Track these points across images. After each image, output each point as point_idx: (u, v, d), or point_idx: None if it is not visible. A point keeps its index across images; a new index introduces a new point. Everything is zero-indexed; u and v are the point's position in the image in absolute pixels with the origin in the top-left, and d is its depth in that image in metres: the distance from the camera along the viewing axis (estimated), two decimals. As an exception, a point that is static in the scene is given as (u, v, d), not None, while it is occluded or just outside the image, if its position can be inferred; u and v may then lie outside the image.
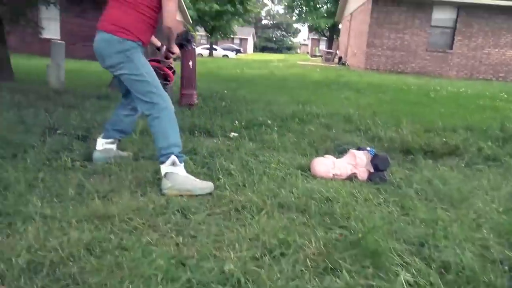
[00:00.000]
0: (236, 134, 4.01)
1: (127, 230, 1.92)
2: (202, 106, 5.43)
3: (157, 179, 2.61)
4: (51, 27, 17.16)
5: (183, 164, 2.56)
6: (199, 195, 2.42)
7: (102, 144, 2.91)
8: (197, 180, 2.53)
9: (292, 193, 2.49)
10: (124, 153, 3.06)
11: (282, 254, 1.78)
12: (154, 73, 2.59)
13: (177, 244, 1.83)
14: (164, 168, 2.49)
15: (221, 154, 3.25)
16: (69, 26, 16.92)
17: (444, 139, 4.02)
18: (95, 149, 2.92)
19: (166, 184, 2.45)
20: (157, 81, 2.56)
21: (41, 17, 16.40)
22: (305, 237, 1.93)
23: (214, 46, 38.97)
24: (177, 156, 2.50)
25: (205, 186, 2.49)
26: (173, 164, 2.49)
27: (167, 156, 2.49)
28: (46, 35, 15.48)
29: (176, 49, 2.85)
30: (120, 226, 1.95)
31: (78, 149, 3.11)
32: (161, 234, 1.92)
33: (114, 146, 2.97)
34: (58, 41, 7.41)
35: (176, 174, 2.48)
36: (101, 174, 2.66)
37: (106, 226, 1.94)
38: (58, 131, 3.61)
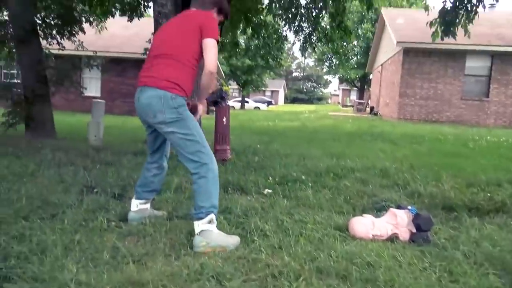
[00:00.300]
0: (270, 191, 3.95)
1: (160, 299, 1.86)
2: (235, 161, 5.44)
3: (191, 240, 2.56)
4: (92, 86, 18.15)
5: (215, 221, 2.58)
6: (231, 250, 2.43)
7: (136, 205, 2.93)
8: (227, 235, 2.57)
9: (331, 256, 2.38)
10: (159, 212, 3.06)
11: (323, 328, 1.67)
12: (202, 134, 2.61)
13: (212, 315, 1.75)
14: (201, 226, 2.49)
15: (256, 213, 3.19)
16: (110, 84, 17.83)
17: (489, 194, 3.82)
18: (130, 209, 2.94)
19: (201, 242, 2.44)
20: (205, 141, 2.59)
21: (83, 77, 17.43)
22: (347, 308, 1.81)
23: (246, 99, 39.90)
24: (215, 215, 2.56)
25: (236, 241, 2.55)
26: (210, 221, 2.51)
27: (207, 213, 2.50)
28: (87, 93, 16.34)
29: (203, 104, 2.95)
30: (154, 293, 1.90)
31: (114, 209, 3.13)
32: (195, 303, 1.85)
33: (148, 206, 3.00)
34: (99, 100, 7.77)
35: (211, 232, 2.49)
36: (135, 236, 2.64)
37: (139, 293, 1.89)
38: (95, 190, 3.67)
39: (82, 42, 8.96)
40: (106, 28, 10.54)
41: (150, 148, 2.92)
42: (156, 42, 2.74)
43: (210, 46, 2.54)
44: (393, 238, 2.77)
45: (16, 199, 3.21)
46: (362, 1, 9.07)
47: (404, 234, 2.78)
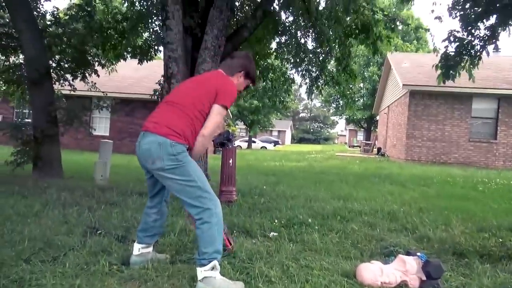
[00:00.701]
0: (275, 234, 3.88)
1: None
2: (241, 202, 5.39)
3: (194, 286, 2.50)
4: (101, 125, 18.43)
5: (219, 268, 2.51)
6: None
7: (138, 249, 2.88)
8: (231, 282, 2.50)
9: (338, 305, 2.30)
10: (162, 256, 3.01)
11: None
12: (205, 177, 2.59)
13: None
14: (204, 272, 2.44)
15: (261, 257, 3.12)
16: (118, 123, 18.11)
17: (501, 240, 3.72)
18: (132, 253, 2.89)
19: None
20: (207, 185, 2.55)
21: (93, 117, 17.73)
22: None
23: (253, 139, 40.14)
24: (218, 261, 2.50)
25: (239, 287, 2.50)
26: (213, 268, 2.46)
27: (209, 260, 2.44)
28: (96, 132, 16.56)
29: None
30: None
31: (116, 252, 3.08)
32: None
33: (150, 249, 2.94)
34: (107, 141, 7.85)
35: (214, 278, 2.43)
36: (137, 281, 2.58)
37: None
38: (98, 231, 3.63)
39: (95, 83, 9.17)
40: (116, 70, 10.81)
41: (149, 192, 2.88)
42: (173, 91, 2.82)
43: (216, 113, 2.60)
44: (402, 286, 2.68)
45: (19, 241, 3.18)
46: (368, 46, 9.27)
47: (413, 282, 2.69)
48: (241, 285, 2.51)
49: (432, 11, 6.75)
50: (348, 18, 8.61)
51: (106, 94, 10.01)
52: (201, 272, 2.44)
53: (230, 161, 5.50)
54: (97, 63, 9.31)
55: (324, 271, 2.87)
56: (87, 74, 8.94)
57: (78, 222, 3.97)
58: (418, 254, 2.85)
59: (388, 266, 2.79)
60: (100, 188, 6.09)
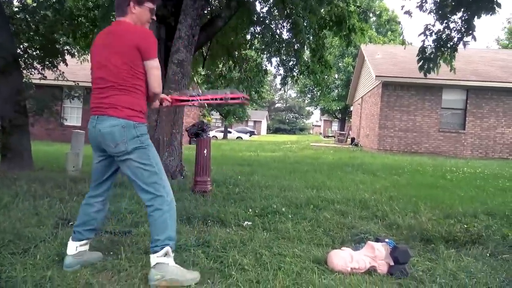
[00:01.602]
0: (249, 223, 3.93)
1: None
2: (215, 193, 5.41)
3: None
4: (73, 115, 18.01)
5: (173, 254, 2.50)
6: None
7: (75, 247, 2.62)
8: (185, 270, 2.49)
9: (309, 290, 2.36)
10: (96, 254, 2.77)
11: None
12: (161, 165, 2.56)
13: None
14: (156, 258, 2.43)
15: (235, 246, 3.16)
16: (91, 113, 17.76)
17: (466, 226, 3.87)
18: (66, 254, 2.61)
19: (155, 275, 2.39)
20: (163, 172, 2.54)
21: (64, 106, 17.30)
22: None
23: (229, 129, 40.07)
24: (171, 248, 2.48)
25: (194, 276, 2.47)
26: (166, 254, 2.44)
27: (162, 247, 2.44)
28: (68, 122, 16.18)
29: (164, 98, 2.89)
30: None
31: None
32: None
33: (87, 247, 2.70)
34: (78, 131, 7.70)
35: (166, 265, 2.42)
36: (110, 271, 2.58)
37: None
38: (70, 223, 3.58)
39: (63, 72, 8.94)
40: (88, 60, 10.56)
41: (97, 179, 2.70)
42: (95, 66, 2.56)
43: (151, 69, 2.47)
44: (371, 271, 2.77)
45: (-13, 233, 3.11)
46: (341, 38, 9.37)
47: (382, 267, 2.78)
48: (197, 275, 2.48)
49: (402, 6, 6.89)
50: (322, 10, 8.67)
51: (78, 83, 9.76)
52: (153, 259, 2.43)
53: (205, 152, 5.50)
54: (67, 51, 9.08)
55: (296, 258, 2.93)
56: (55, 63, 8.70)
57: (49, 213, 3.91)
58: (387, 240, 2.94)
59: (358, 252, 2.87)
60: (72, 179, 5.99)
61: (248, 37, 10.27)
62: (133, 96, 2.46)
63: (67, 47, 9.30)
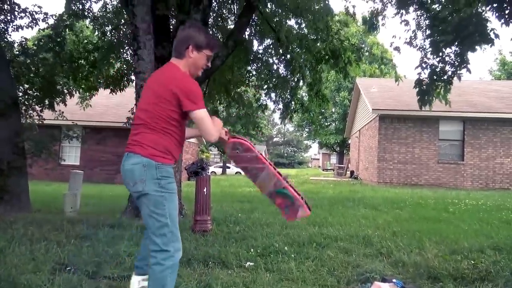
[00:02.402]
0: (251, 264, 3.83)
1: None
2: (216, 232, 5.32)
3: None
4: (71, 154, 17.99)
5: None
6: None
7: (138, 282, 2.69)
8: None
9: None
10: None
11: None
12: (176, 216, 2.43)
13: None
14: None
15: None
16: (89, 152, 17.73)
17: (473, 262, 3.79)
18: None
19: None
20: (176, 227, 2.40)
21: (62, 146, 17.31)
22: None
23: (227, 164, 40.00)
24: None
25: None
26: None
27: None
28: (66, 161, 16.14)
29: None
30: None
31: (86, 289, 2.96)
32: None
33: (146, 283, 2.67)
34: (77, 171, 7.66)
35: None
36: (109, 320, 2.48)
37: None
38: (68, 268, 3.49)
39: (62, 112, 9.00)
40: (90, 105, 10.74)
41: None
42: (140, 105, 2.54)
43: (199, 120, 2.37)
44: (379, 314, 2.67)
45: (-18, 282, 3.02)
46: (338, 71, 9.51)
47: (390, 309, 2.69)
48: None
49: (391, 43, 7.06)
50: (318, 44, 8.85)
51: (76, 123, 9.81)
52: None
53: (205, 190, 5.45)
54: (66, 91, 9.17)
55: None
56: (55, 103, 8.77)
57: (46, 258, 3.81)
58: (394, 280, 2.87)
59: (365, 294, 2.79)
60: (70, 221, 5.89)
61: (246, 73, 10.42)
62: (160, 137, 2.36)
63: (66, 87, 9.40)
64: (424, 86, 6.39)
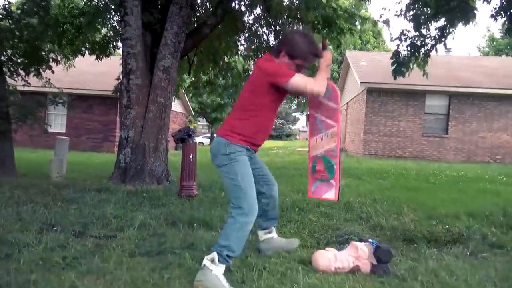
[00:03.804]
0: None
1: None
2: (202, 197, 5.43)
3: (153, 277, 2.53)
4: (57, 122, 17.80)
5: (224, 266, 2.52)
6: None
7: (261, 236, 3.14)
8: (225, 283, 2.45)
9: (293, 289, 2.40)
10: (291, 240, 3.23)
11: None
12: (252, 179, 2.68)
13: None
14: (205, 260, 2.52)
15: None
16: (76, 120, 17.55)
17: (447, 226, 3.95)
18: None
19: (199, 276, 2.48)
20: (250, 190, 2.64)
21: (48, 113, 17.11)
22: None
23: (215, 135, 39.98)
24: (221, 257, 2.51)
25: None
26: (212, 261, 2.49)
27: (215, 251, 2.53)
28: (52, 129, 15.97)
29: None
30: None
31: (74, 247, 3.05)
32: None
33: (273, 234, 3.15)
34: (63, 137, 7.64)
35: (210, 271, 2.46)
36: (95, 274, 2.58)
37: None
38: (55, 228, 3.56)
39: (49, 79, 8.86)
40: (74, 66, 10.51)
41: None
42: None
43: (294, 86, 2.61)
44: (355, 271, 2.82)
45: (-30, 239, 3.08)
46: (332, 40, 9.36)
47: (365, 266, 2.84)
48: None
49: (381, 16, 7.09)
50: (310, 13, 8.74)
51: (62, 90, 9.67)
52: (204, 259, 2.54)
53: (191, 156, 5.51)
54: (51, 59, 9.00)
55: (282, 259, 2.97)
56: (41, 70, 8.62)
57: (33, 219, 3.88)
58: (370, 240, 3.00)
59: (342, 252, 2.92)
60: (56, 186, 5.94)
61: (235, 43, 10.31)
62: (240, 121, 2.72)
63: (52, 54, 9.22)
64: (401, 58, 6.48)
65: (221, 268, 2.50)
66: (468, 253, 3.34)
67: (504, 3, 5.79)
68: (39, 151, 14.91)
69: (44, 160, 9.78)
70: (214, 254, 2.50)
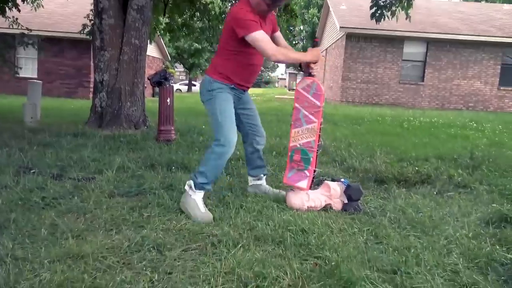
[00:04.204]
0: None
1: (100, 269, 1.90)
2: (180, 141, 5.45)
3: (133, 216, 2.60)
4: (28, 66, 17.11)
5: (202, 192, 2.75)
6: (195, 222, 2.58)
7: (250, 181, 3.32)
8: (202, 210, 2.66)
9: (268, 225, 2.52)
10: (276, 191, 3.28)
11: (258, 287, 1.79)
12: (231, 115, 2.82)
13: (152, 281, 1.82)
14: (186, 186, 2.79)
15: (198, 189, 3.26)
16: (47, 65, 16.90)
17: (417, 168, 4.13)
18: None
19: (182, 198, 2.79)
20: (228, 123, 2.77)
21: (18, 57, 16.39)
22: (280, 269, 1.95)
23: (193, 82, 39.38)
24: (197, 184, 2.73)
25: (205, 217, 2.61)
26: (190, 187, 2.74)
27: (192, 178, 2.77)
28: (23, 74, 15.41)
29: (311, 61, 2.98)
30: (93, 265, 1.93)
31: (52, 188, 3.08)
32: (135, 272, 1.91)
33: (261, 182, 3.30)
34: (35, 81, 7.41)
35: (189, 196, 2.72)
36: (75, 213, 2.63)
37: (79, 266, 1.92)
38: (32, 171, 3.56)
39: (16, 18, 8.42)
40: (42, 6, 9.97)
41: (239, 130, 3.09)
42: None
43: (252, 43, 2.65)
44: (327, 208, 2.95)
45: None
46: None
47: (337, 205, 2.97)
48: (207, 217, 2.61)
49: None
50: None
51: (31, 30, 9.25)
52: (186, 185, 2.79)
53: (168, 100, 5.47)
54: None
55: (258, 198, 3.08)
56: (7, 8, 8.17)
57: (9, 162, 3.85)
58: (342, 179, 3.13)
59: (315, 191, 3.04)
60: (31, 130, 5.85)
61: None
62: (221, 60, 2.85)
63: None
64: (382, 1, 6.40)
65: (199, 193, 2.74)
66: (435, 193, 3.52)
67: None
68: (10, 97, 14.44)
69: (16, 106, 9.52)
70: (191, 181, 2.75)
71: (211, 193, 3.14)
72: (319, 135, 2.99)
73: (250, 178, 3.32)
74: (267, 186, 3.33)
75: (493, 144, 6.19)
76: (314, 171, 2.99)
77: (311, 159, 2.98)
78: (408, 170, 4.05)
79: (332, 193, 2.99)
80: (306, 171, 3.01)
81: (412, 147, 5.56)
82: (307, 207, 2.91)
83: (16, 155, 4.16)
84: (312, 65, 3.01)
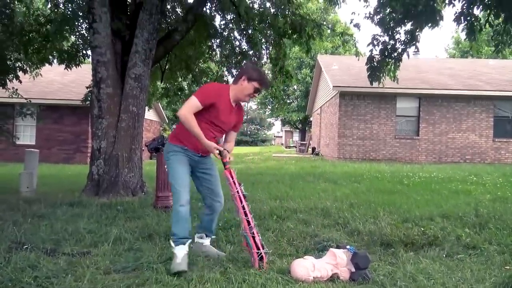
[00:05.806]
0: (213, 237, 3.89)
1: None
2: (178, 207, 5.33)
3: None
4: (27, 133, 17.23)
5: (182, 245, 2.99)
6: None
7: (195, 237, 3.44)
8: (178, 260, 2.90)
9: (273, 301, 2.37)
10: (221, 253, 3.37)
11: None
12: (183, 175, 3.16)
13: None
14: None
15: (200, 260, 3.13)
16: (46, 131, 17.03)
17: (423, 229, 4.02)
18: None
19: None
20: (179, 181, 3.12)
21: (16, 125, 16.56)
22: None
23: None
24: (173, 241, 3.04)
25: (176, 267, 2.85)
26: (171, 244, 3.04)
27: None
28: (21, 141, 15.48)
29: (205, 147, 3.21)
30: None
31: (45, 266, 2.93)
32: None
33: (203, 241, 3.44)
34: (32, 150, 7.41)
35: (173, 248, 3.01)
36: (68, 294, 2.48)
37: None
38: (25, 246, 3.42)
39: (16, 89, 8.58)
40: (41, 75, 10.21)
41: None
42: None
43: (187, 100, 3.13)
44: (334, 278, 2.81)
45: None
46: (301, 45, 9.41)
47: (344, 274, 2.84)
48: (178, 267, 2.84)
49: (352, 20, 7.16)
50: (280, 19, 8.79)
51: (30, 100, 9.40)
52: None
53: (165, 167, 5.41)
54: (18, 68, 8.73)
55: (261, 269, 2.93)
56: (7, 81, 8.35)
57: (2, 237, 3.72)
58: (348, 247, 3.01)
59: (320, 260, 2.91)
60: (27, 201, 5.74)
61: (207, 49, 10.26)
62: (180, 125, 3.23)
63: (19, 63, 8.94)
64: (375, 63, 6.58)
65: (179, 248, 2.97)
66: (444, 255, 3.40)
67: (465, 8, 5.96)
68: (8, 165, 14.40)
69: (13, 174, 9.45)
70: (171, 241, 3.06)
71: (212, 264, 3.01)
72: (246, 220, 3.10)
73: (196, 235, 3.47)
74: (210, 246, 3.45)
75: (496, 199, 6.11)
76: (259, 248, 3.01)
77: (249, 238, 3.04)
78: (414, 231, 3.93)
79: (338, 262, 2.86)
80: (251, 251, 3.04)
81: (415, 206, 5.48)
82: (313, 277, 2.77)
83: (9, 229, 4.03)
84: (217, 155, 3.29)
